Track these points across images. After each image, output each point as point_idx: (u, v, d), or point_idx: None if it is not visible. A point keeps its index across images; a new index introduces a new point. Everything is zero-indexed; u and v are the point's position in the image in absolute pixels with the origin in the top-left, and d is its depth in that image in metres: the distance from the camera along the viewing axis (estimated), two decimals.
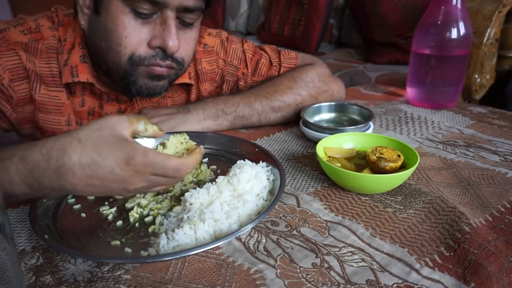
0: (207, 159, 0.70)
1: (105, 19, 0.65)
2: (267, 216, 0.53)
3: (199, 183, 0.62)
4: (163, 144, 0.56)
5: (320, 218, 0.53)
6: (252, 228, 0.51)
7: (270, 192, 0.57)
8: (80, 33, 0.72)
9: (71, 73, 0.71)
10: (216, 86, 0.89)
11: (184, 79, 0.82)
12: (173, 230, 0.48)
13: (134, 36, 0.65)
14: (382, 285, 0.42)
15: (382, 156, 0.59)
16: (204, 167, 0.65)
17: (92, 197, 0.58)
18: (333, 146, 0.65)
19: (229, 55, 0.87)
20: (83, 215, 0.55)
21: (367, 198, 0.58)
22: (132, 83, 0.69)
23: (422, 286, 0.42)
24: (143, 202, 0.56)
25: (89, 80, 0.72)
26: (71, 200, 0.58)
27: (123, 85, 0.71)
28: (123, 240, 0.50)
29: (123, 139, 0.47)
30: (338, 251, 0.47)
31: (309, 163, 0.68)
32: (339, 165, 0.60)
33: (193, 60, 0.84)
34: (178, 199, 0.57)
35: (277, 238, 0.49)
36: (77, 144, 0.46)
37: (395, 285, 0.42)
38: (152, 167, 0.47)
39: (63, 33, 0.72)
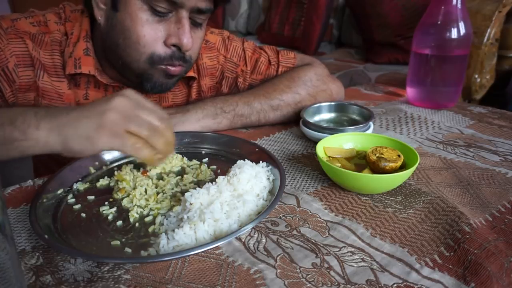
0: (207, 159, 0.70)
1: (123, 16, 0.67)
2: (267, 216, 0.53)
3: (199, 183, 0.62)
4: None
5: (320, 218, 0.53)
6: (252, 228, 0.51)
7: (270, 192, 0.57)
8: (85, 28, 0.74)
9: (74, 64, 0.73)
10: (216, 82, 0.90)
11: (190, 73, 0.84)
12: (173, 230, 0.48)
13: (151, 34, 0.68)
14: (382, 285, 0.42)
15: (382, 156, 0.59)
16: (204, 167, 0.65)
17: (92, 197, 0.58)
18: (333, 146, 0.65)
19: (229, 52, 0.90)
20: (83, 215, 0.55)
21: (367, 198, 0.58)
22: (147, 80, 0.72)
23: (422, 286, 0.42)
24: (143, 202, 0.56)
25: (91, 72, 0.74)
26: (71, 200, 0.58)
27: (137, 82, 0.74)
28: (123, 240, 0.50)
29: None
30: (338, 251, 0.47)
31: (309, 163, 0.68)
32: (339, 165, 0.60)
33: None
34: (178, 199, 0.57)
35: (277, 238, 0.49)
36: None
37: (395, 285, 0.42)
38: (143, 102, 0.53)
39: (70, 27, 0.75)
